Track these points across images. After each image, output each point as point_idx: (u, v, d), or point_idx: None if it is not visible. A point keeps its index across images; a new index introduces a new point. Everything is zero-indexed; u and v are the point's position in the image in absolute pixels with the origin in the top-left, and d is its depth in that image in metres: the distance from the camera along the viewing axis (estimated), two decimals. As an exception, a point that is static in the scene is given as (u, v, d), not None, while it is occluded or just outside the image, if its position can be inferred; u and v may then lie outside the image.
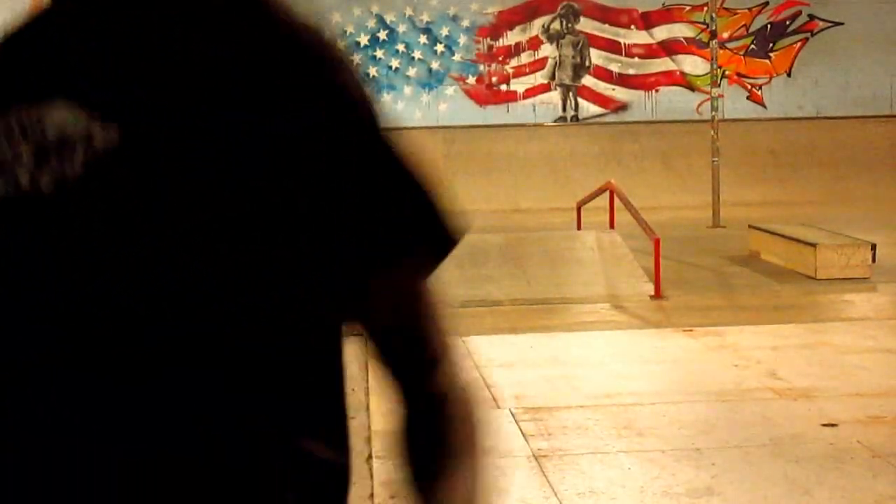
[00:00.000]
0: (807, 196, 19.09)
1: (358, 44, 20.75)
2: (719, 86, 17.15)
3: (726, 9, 20.60)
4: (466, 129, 20.36)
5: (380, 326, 1.07)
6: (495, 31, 20.90)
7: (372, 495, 3.72)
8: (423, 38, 20.83)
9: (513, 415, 5.68)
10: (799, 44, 21.19)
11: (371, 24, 20.77)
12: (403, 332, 1.07)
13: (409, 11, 20.78)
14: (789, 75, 21.17)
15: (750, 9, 21.14)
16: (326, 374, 1.03)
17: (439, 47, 20.82)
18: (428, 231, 1.03)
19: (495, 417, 5.69)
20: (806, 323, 8.79)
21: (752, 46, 21.15)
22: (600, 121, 20.70)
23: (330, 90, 0.98)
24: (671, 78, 21.02)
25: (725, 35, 20.53)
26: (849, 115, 20.74)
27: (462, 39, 20.85)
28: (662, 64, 21.08)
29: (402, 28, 20.81)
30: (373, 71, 20.73)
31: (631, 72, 20.92)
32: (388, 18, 20.78)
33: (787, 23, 21.17)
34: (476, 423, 1.11)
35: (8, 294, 0.97)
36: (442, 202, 1.02)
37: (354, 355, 5.01)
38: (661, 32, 21.06)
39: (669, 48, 21.04)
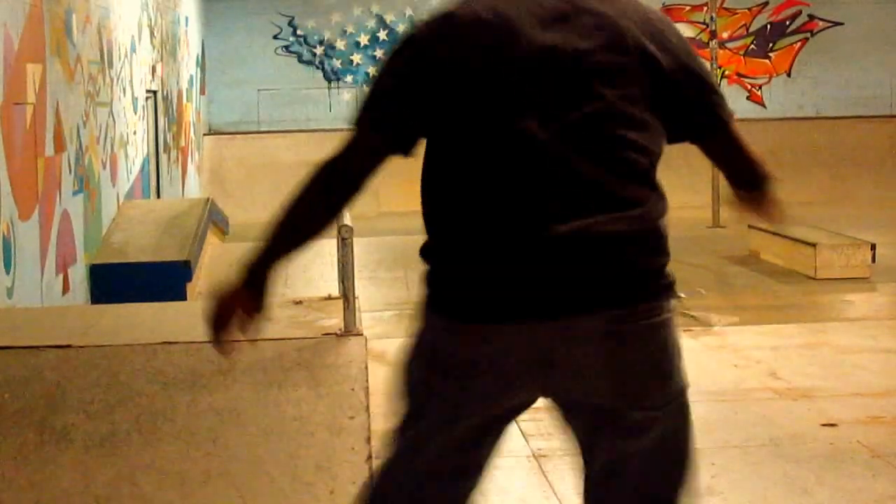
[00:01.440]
0: (807, 196, 19.06)
1: (358, 44, 20.75)
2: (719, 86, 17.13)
3: (726, 9, 20.60)
4: (466, 129, 20.35)
5: None
6: (495, 31, 20.90)
7: (372, 495, 3.72)
8: (422, 38, 20.83)
9: (513, 415, 5.68)
10: (799, 44, 21.19)
11: (371, 24, 20.77)
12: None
13: (409, 11, 20.77)
14: (789, 75, 21.17)
15: (750, 9, 21.14)
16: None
17: (439, 47, 20.82)
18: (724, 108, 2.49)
19: (495, 417, 5.69)
20: (806, 323, 8.79)
21: (752, 46, 21.16)
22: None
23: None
24: (671, 78, 21.01)
25: (725, 35, 20.54)
26: (849, 115, 20.74)
27: (462, 39, 20.86)
28: (662, 64, 21.08)
29: (402, 28, 20.78)
30: (373, 71, 20.68)
31: (631, 72, 20.93)
32: (388, 18, 20.78)
33: (787, 23, 21.17)
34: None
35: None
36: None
37: (355, 355, 5.01)
38: (661, 32, 21.06)
39: (669, 48, 21.03)
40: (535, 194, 2.04)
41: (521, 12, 2.11)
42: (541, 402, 2.07)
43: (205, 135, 19.58)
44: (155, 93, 14.21)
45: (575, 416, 2.23)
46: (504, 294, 2.04)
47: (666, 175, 2.18)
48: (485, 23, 2.09)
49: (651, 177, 2.15)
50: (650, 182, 2.15)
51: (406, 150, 2.17)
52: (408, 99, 2.12)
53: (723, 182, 2.51)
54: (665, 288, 2.14)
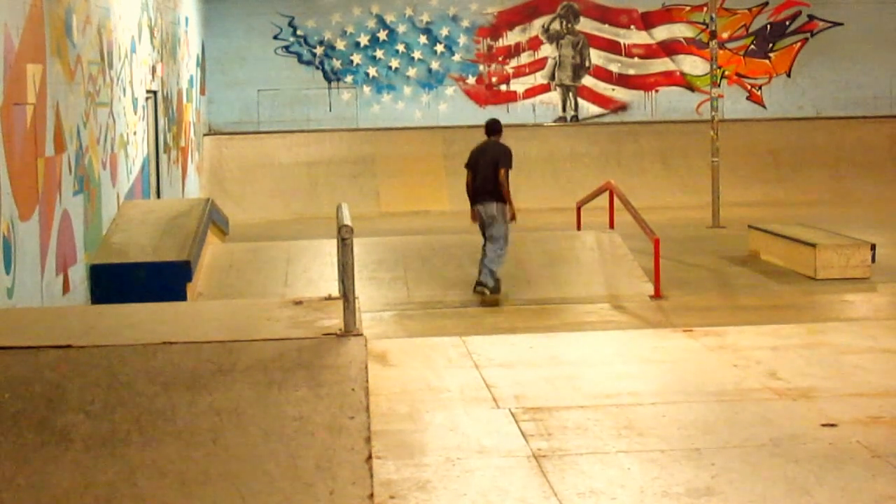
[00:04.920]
0: (807, 196, 19.08)
1: (358, 44, 20.75)
2: (719, 86, 17.15)
3: (726, 9, 20.60)
4: (466, 129, 20.33)
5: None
6: (495, 31, 20.91)
7: (371, 495, 3.72)
8: (423, 38, 20.83)
9: (513, 415, 5.68)
10: (799, 44, 21.19)
11: (371, 24, 20.77)
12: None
13: (409, 11, 20.78)
14: (789, 75, 21.17)
15: (750, 9, 21.14)
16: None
17: (439, 47, 20.82)
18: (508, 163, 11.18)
19: (495, 417, 5.69)
20: (806, 323, 8.79)
21: (752, 46, 21.16)
22: (600, 121, 20.72)
23: (505, 148, 11.26)
24: (671, 78, 21.02)
25: (725, 35, 20.54)
26: (849, 115, 20.75)
27: (462, 39, 20.86)
28: (662, 64, 21.08)
29: (402, 28, 20.81)
30: (373, 71, 20.73)
31: (631, 72, 20.92)
32: (388, 18, 20.78)
33: (787, 23, 21.18)
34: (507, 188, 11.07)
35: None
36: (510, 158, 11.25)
37: (355, 355, 4.99)
38: (661, 32, 21.06)
39: (669, 48, 21.04)
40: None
41: (480, 146, 11.32)
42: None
43: (205, 135, 19.58)
44: (155, 93, 14.21)
45: (484, 222, 11.09)
46: (473, 198, 11.18)
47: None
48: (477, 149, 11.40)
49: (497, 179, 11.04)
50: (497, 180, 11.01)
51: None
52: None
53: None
54: (496, 197, 10.90)
